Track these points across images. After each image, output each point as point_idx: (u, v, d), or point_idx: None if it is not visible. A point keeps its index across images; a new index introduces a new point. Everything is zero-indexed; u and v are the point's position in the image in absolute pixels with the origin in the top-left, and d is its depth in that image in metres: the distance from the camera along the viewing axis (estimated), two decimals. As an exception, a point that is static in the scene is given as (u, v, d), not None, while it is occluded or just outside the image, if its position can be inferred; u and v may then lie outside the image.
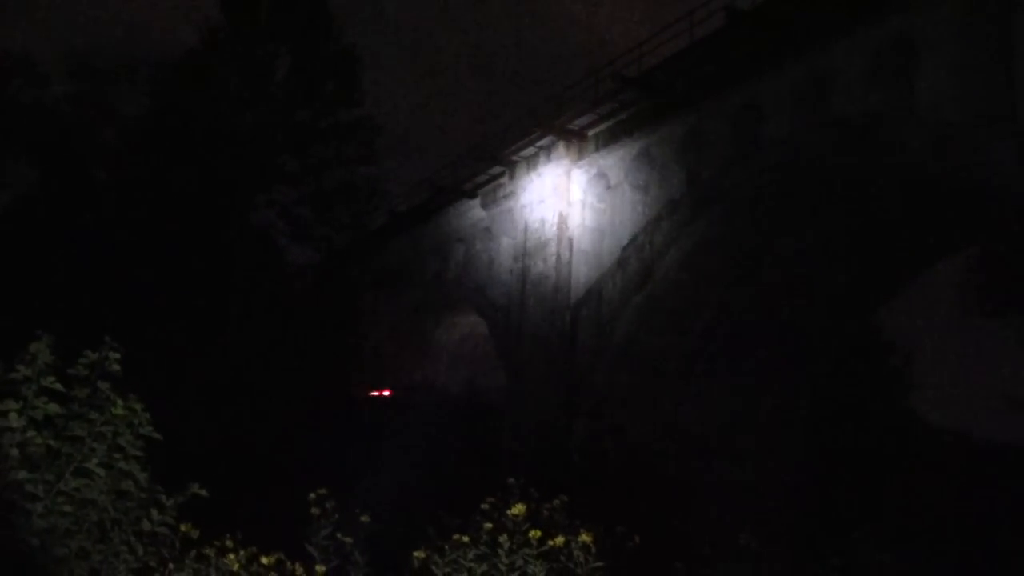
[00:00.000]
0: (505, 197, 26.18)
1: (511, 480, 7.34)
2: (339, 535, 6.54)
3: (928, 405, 31.48)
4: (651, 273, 20.59)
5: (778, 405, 23.04)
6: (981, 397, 31.19)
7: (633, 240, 20.89)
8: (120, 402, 5.24)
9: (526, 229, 24.58)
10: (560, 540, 5.72)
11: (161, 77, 29.85)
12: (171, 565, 5.58)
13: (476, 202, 27.87)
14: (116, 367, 5.30)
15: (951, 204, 18.48)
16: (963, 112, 14.56)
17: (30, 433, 4.91)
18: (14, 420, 4.87)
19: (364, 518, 6.90)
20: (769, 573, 11.18)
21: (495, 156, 26.29)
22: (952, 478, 23.26)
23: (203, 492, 5.57)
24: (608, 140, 22.35)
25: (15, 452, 4.85)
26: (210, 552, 5.84)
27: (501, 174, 26.57)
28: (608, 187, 22.10)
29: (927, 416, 30.33)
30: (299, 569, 6.17)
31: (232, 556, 5.90)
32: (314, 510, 6.67)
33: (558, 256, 23.06)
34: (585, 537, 5.72)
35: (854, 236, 19.96)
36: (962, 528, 17.90)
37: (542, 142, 24.32)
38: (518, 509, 5.84)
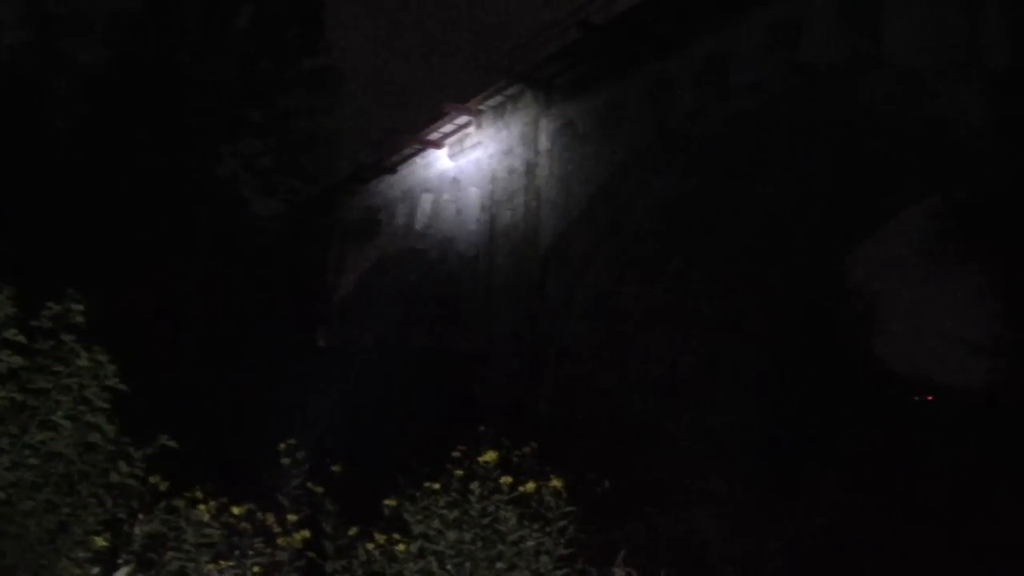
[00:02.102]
0: (472, 147, 26.00)
1: (482, 428, 7.37)
2: (310, 484, 6.54)
3: (891, 351, 32.00)
4: (620, 223, 20.61)
5: (745, 352, 23.27)
6: (942, 343, 31.65)
7: (601, 190, 20.86)
8: (85, 354, 5.18)
9: (493, 179, 24.46)
10: (531, 486, 5.74)
11: (119, 26, 29.16)
12: (140, 516, 5.56)
13: (443, 152, 27.67)
14: (80, 319, 5.23)
15: (917, 151, 18.60)
16: (929, 59, 14.60)
17: (-7, 386, 4.85)
18: (-24, 373, 4.80)
19: (335, 467, 6.90)
20: (735, 514, 11.40)
21: (461, 105, 26.05)
22: (912, 422, 23.71)
23: (172, 443, 5.54)
24: (576, 89, 22.19)
25: (-22, 406, 4.79)
26: (180, 503, 5.82)
27: (468, 124, 26.35)
28: (576, 136, 22.01)
29: (890, 361, 30.82)
30: (270, 518, 6.17)
31: (203, 507, 5.88)
32: (284, 460, 6.65)
33: (526, 206, 22.99)
34: (556, 482, 5.75)
35: (821, 183, 20.06)
36: (920, 469, 18.28)
37: (509, 91, 24.11)
38: (489, 456, 5.86)
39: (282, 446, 6.78)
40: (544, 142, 23.05)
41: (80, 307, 5.20)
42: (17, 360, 4.96)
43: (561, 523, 5.62)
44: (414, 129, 29.68)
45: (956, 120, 14.76)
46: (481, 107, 25.35)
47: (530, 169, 23.20)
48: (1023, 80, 13.20)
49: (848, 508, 13.19)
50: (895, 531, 12.72)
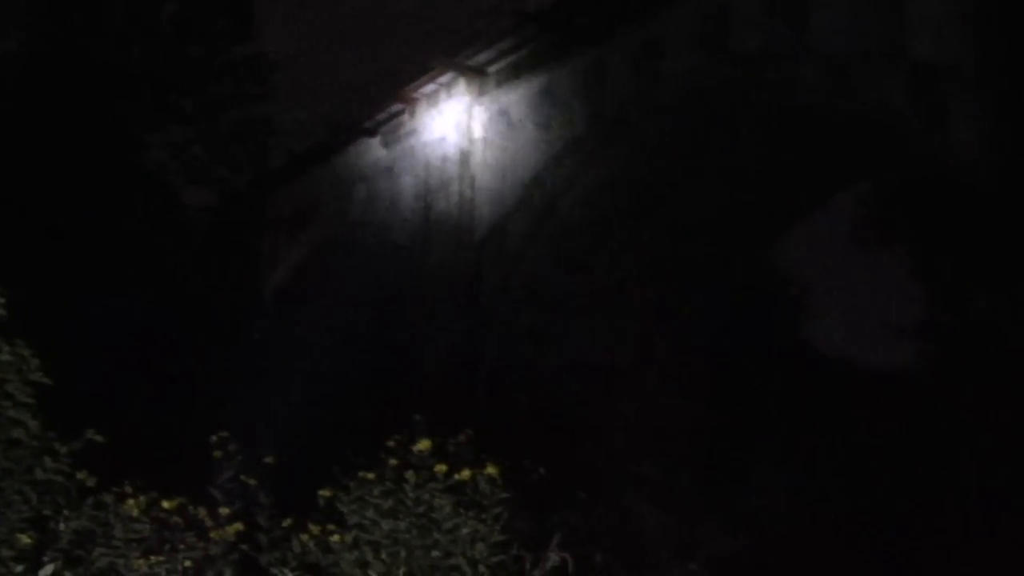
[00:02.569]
0: (406, 135, 25.81)
1: (417, 417, 7.36)
2: (243, 477, 6.48)
3: (822, 335, 32.58)
4: (555, 211, 20.68)
5: (681, 337, 23.54)
6: (870, 326, 32.34)
7: (536, 178, 20.89)
8: (7, 348, 5.06)
9: (428, 167, 24.32)
10: (466, 474, 5.78)
11: (37, 10, 28.33)
12: (67, 513, 5.46)
13: (376, 141, 27.44)
14: (1, 312, 5.10)
15: (845, 139, 18.95)
16: (856, 48, 14.87)
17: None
18: None
19: (268, 459, 6.85)
20: (670, 499, 11.54)
21: (395, 93, 25.83)
22: (841, 404, 24.23)
23: (99, 438, 5.44)
24: (510, 77, 22.16)
25: None
26: (109, 498, 5.72)
27: (401, 112, 26.15)
28: (510, 125, 21.99)
29: (820, 346, 31.41)
30: (202, 512, 6.11)
31: (132, 502, 5.80)
32: (216, 453, 6.58)
33: (460, 194, 22.92)
34: (491, 470, 5.79)
35: (752, 170, 20.33)
36: (848, 450, 18.72)
37: (442, 79, 23.97)
38: (424, 445, 5.87)
39: (214, 439, 6.70)
40: (478, 130, 22.98)
41: (1, 300, 5.08)
42: (-66, 355, 4.82)
43: (496, 510, 5.66)
44: (346, 116, 29.39)
45: (880, 109, 15.05)
46: (415, 95, 25.17)
47: (464, 158, 23.12)
48: (945, 71, 13.53)
49: (782, 490, 13.45)
50: (830, 511, 13.01)
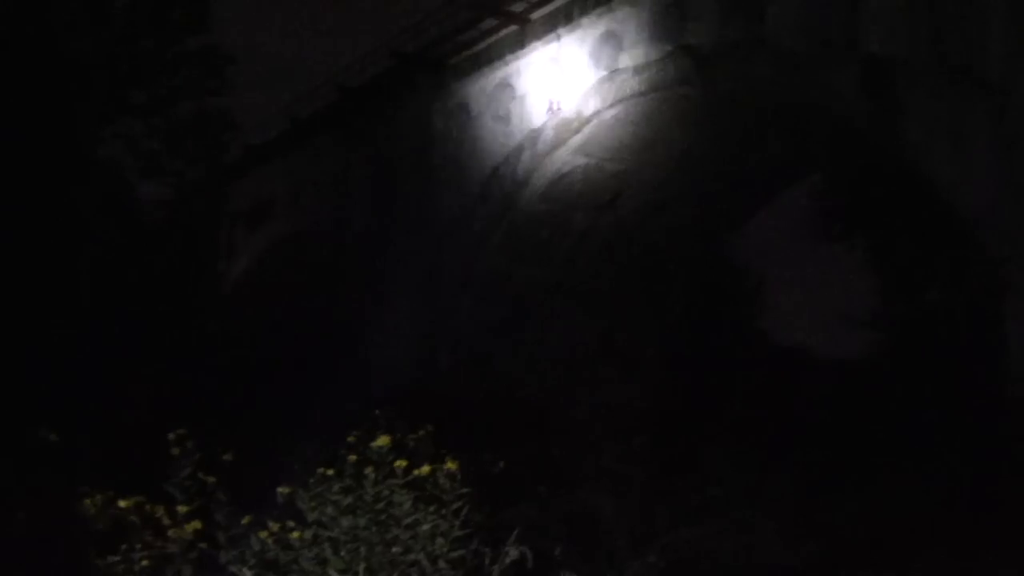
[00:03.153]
0: (368, 127, 25.73)
1: (377, 412, 7.36)
2: (201, 474, 6.43)
3: (778, 326, 32.93)
4: (513, 204, 20.71)
5: (638, 329, 23.69)
6: (824, 317, 32.77)
7: (496, 170, 20.92)
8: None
9: (389, 160, 24.28)
10: (426, 469, 5.77)
11: (-11, 1, 27.78)
12: (20, 514, 5.40)
13: (338, 134, 27.34)
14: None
15: (800, 132, 19.17)
16: (809, 41, 15.06)
17: None
18: None
19: (227, 456, 6.80)
20: (628, 490, 11.64)
21: (343, 86, 25.88)
22: (796, 393, 24.51)
23: (54, 437, 5.38)
24: (470, 69, 22.16)
25: None
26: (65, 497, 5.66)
27: (358, 104, 26.07)
28: (470, 117, 21.99)
29: (776, 336, 31.73)
30: (160, 510, 6.06)
31: (88, 500, 5.73)
32: (174, 450, 6.52)
33: (421, 187, 22.91)
34: (451, 465, 5.79)
35: (709, 163, 20.49)
36: (804, 439, 18.94)
37: (402, 71, 23.94)
38: (383, 441, 5.87)
39: (171, 436, 6.64)
40: (439, 123, 22.96)
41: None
42: None
43: (456, 505, 5.67)
44: (304, 108, 29.22)
45: (833, 102, 15.25)
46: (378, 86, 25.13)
47: (425, 149, 23.10)
48: (898, 64, 13.73)
49: (739, 480, 13.59)
50: (786, 499, 13.17)
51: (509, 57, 20.93)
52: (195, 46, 30.55)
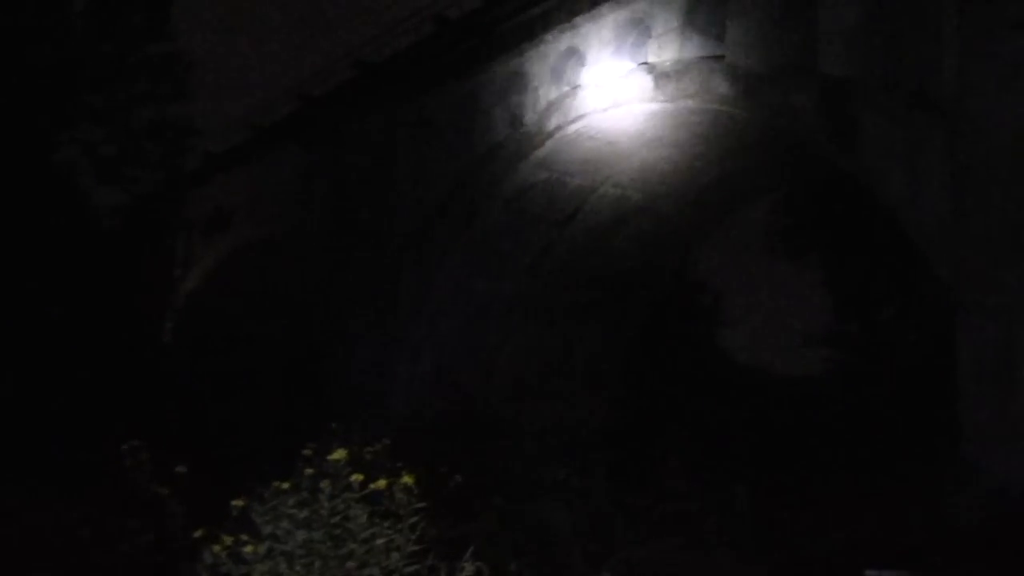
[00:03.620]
0: (328, 138, 25.65)
1: (333, 426, 7.33)
2: (155, 487, 6.37)
3: (735, 342, 33.27)
4: (474, 217, 20.72)
5: (597, 346, 23.79)
6: (781, 334, 33.16)
7: (457, 184, 20.93)
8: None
9: (349, 170, 24.22)
10: (382, 483, 5.75)
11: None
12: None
13: (304, 140, 27.21)
14: None
15: (758, 150, 19.38)
16: (768, 61, 15.25)
17: None
18: None
19: (180, 468, 6.74)
20: (584, 504, 11.69)
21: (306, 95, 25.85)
22: (753, 409, 24.76)
23: None
24: (432, 82, 22.16)
25: None
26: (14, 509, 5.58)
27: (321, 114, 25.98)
28: (433, 129, 21.99)
29: (734, 353, 32.05)
30: (112, 522, 5.99)
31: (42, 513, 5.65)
32: (127, 462, 6.46)
33: (382, 199, 22.86)
34: (407, 479, 5.77)
35: (669, 179, 20.65)
36: (758, 454, 19.13)
37: (364, 82, 23.92)
38: (339, 454, 5.84)
39: (125, 447, 6.58)
40: (402, 135, 22.94)
41: None
42: None
43: (412, 519, 5.66)
44: (264, 119, 29.04)
45: (792, 122, 15.44)
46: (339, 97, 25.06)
47: (387, 160, 23.07)
48: (854, 85, 13.95)
49: (694, 496, 13.69)
50: (743, 517, 13.28)
51: (472, 71, 20.97)
52: (156, 52, 30.35)
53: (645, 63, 17.16)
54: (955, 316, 12.34)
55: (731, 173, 20.48)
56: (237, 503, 5.94)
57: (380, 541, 5.60)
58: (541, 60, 19.33)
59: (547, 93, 19.11)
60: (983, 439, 11.46)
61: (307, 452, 6.53)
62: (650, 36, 17.11)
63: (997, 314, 11.75)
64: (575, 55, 18.58)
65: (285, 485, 5.84)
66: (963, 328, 12.12)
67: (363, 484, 5.74)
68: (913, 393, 21.93)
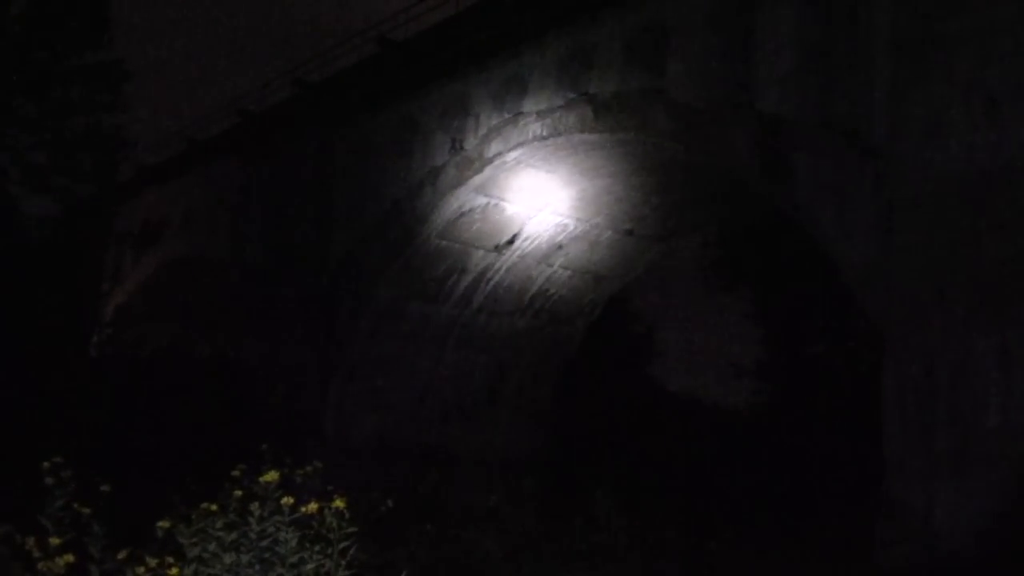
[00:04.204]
0: (265, 156, 25.42)
1: (264, 446, 7.22)
2: (76, 505, 6.19)
3: (667, 372, 33.61)
4: (411, 240, 20.69)
5: (531, 373, 23.83)
6: (712, 365, 33.60)
7: (395, 206, 20.89)
8: None
9: (285, 190, 24.02)
10: (313, 507, 5.68)
11: None
12: None
13: (237, 159, 26.91)
14: None
15: (695, 184, 19.70)
16: (708, 97, 15.54)
17: None
18: None
19: (104, 487, 6.56)
20: (515, 531, 11.67)
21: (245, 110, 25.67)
22: (683, 439, 25.00)
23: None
24: (373, 103, 22.11)
25: None
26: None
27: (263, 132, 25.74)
28: (371, 151, 21.93)
29: (666, 382, 32.36)
30: (31, 542, 5.81)
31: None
32: (48, 480, 6.28)
33: (318, 221, 22.70)
34: (339, 503, 5.70)
35: (606, 208, 20.86)
36: (688, 484, 19.30)
37: (304, 100, 23.79)
38: (271, 476, 5.76)
39: (45, 464, 6.40)
40: (340, 155, 22.84)
41: None
42: None
43: (343, 544, 5.59)
44: (200, 132, 28.71)
45: (728, 157, 15.73)
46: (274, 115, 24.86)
47: (325, 180, 22.93)
48: (789, 124, 14.27)
49: (623, 526, 13.75)
50: (672, 545, 13.36)
51: (414, 94, 20.99)
52: (91, 60, 29.74)
53: (586, 93, 17.37)
54: (881, 353, 12.63)
55: (667, 205, 20.78)
56: (162, 524, 5.81)
57: (310, 566, 5.53)
58: (484, 86, 19.44)
59: (488, 119, 19.21)
60: (907, 475, 11.72)
61: (236, 473, 6.42)
62: (592, 67, 17.33)
63: (921, 352, 12.05)
64: (518, 82, 18.73)
65: (213, 507, 5.74)
66: (889, 365, 12.40)
67: (294, 507, 5.66)
68: (840, 429, 22.35)
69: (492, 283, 22.06)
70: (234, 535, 5.58)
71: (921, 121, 12.65)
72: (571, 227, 21.31)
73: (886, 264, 12.73)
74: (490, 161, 19.16)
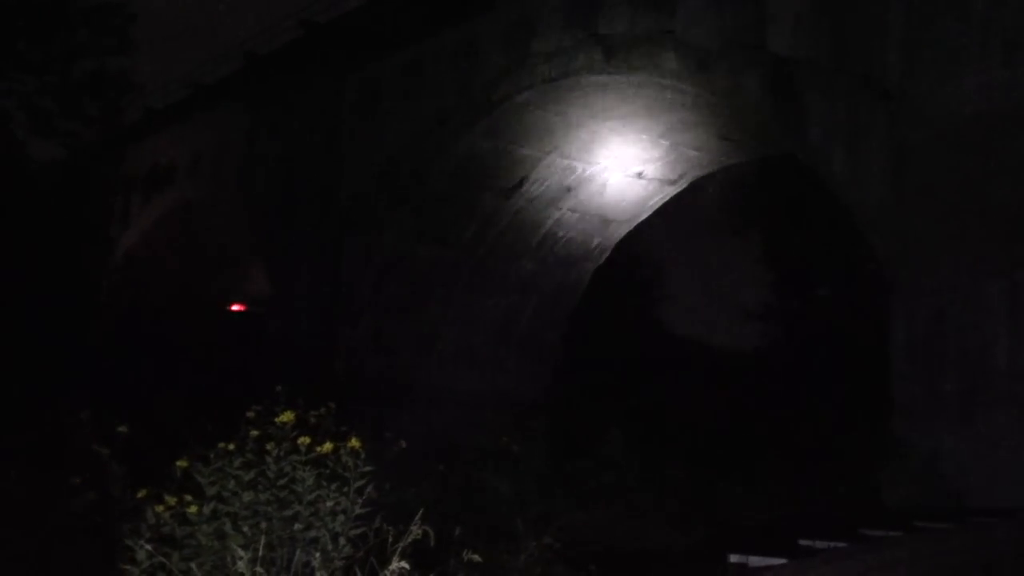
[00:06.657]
0: (270, 100, 25.26)
1: (278, 388, 7.28)
2: (95, 446, 6.28)
3: (675, 315, 33.68)
4: (420, 183, 20.63)
5: (539, 315, 23.90)
6: (720, 308, 33.64)
7: (403, 150, 20.79)
8: None
9: (293, 133, 23.93)
10: (329, 446, 5.74)
11: None
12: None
13: (244, 103, 26.76)
14: None
15: (705, 125, 19.52)
16: (720, 38, 15.35)
17: None
18: None
19: (121, 428, 6.64)
20: (526, 472, 11.83)
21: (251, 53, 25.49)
22: (691, 381, 25.15)
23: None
24: (380, 48, 21.91)
25: None
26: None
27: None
28: (380, 94, 21.79)
29: (673, 326, 32.46)
30: (52, 482, 5.92)
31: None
32: (66, 420, 6.38)
33: (327, 164, 22.64)
34: (354, 443, 5.77)
35: (617, 150, 20.72)
36: (694, 426, 19.45)
37: (311, 44, 23.58)
38: (287, 417, 5.82)
39: (64, 406, 6.49)
40: (350, 98, 22.69)
41: None
42: None
43: (359, 483, 5.67)
44: (206, 74, 28.50)
45: (739, 99, 15.59)
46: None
47: (333, 124, 22.82)
48: (801, 64, 14.12)
49: (633, 464, 13.91)
50: (678, 486, 13.52)
51: (422, 36, 20.78)
52: (96, 2, 29.47)
53: (595, 34, 17.17)
54: (891, 295, 12.64)
55: (677, 148, 20.64)
56: (180, 464, 5.87)
57: (327, 504, 5.61)
58: (492, 28, 19.22)
59: (497, 61, 19.03)
60: (913, 416, 11.80)
61: (251, 414, 6.49)
62: (601, 7, 17.11)
63: (930, 295, 12.06)
64: (526, 23, 18.52)
65: (230, 447, 5.80)
66: (898, 307, 12.42)
67: (309, 447, 5.73)
68: (848, 370, 22.44)
69: (500, 227, 22.03)
70: (252, 474, 5.66)
71: (935, 62, 12.51)
72: (580, 170, 21.22)
73: (897, 207, 12.68)
74: (498, 104, 19.02)
